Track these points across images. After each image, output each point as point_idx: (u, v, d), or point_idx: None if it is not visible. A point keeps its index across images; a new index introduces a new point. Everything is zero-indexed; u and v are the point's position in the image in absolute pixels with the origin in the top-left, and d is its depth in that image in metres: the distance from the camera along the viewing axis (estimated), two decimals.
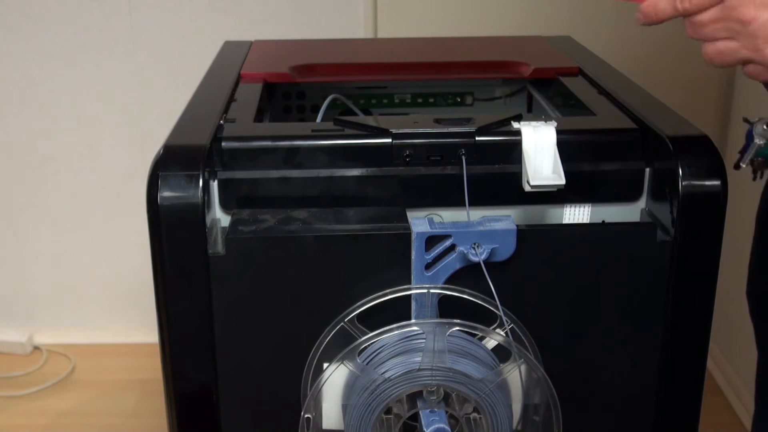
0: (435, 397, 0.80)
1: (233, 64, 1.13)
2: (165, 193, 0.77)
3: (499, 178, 0.84)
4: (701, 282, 0.82)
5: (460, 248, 0.79)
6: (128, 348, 2.04)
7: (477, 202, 0.83)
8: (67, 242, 2.02)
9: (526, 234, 0.80)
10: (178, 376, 0.82)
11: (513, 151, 0.83)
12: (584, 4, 1.80)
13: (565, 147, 0.83)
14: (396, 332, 0.79)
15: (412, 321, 0.80)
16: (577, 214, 0.86)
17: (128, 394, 1.85)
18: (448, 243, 0.79)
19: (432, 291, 0.80)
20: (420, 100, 1.21)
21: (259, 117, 0.96)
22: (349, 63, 1.15)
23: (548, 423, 0.82)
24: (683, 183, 0.79)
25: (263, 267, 0.79)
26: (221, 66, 1.14)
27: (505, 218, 0.80)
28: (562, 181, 0.81)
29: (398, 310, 0.81)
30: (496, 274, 0.79)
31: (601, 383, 0.86)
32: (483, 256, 0.78)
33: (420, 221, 0.80)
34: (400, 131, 0.83)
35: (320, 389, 0.81)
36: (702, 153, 0.81)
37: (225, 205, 0.83)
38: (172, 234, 0.78)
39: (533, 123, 0.83)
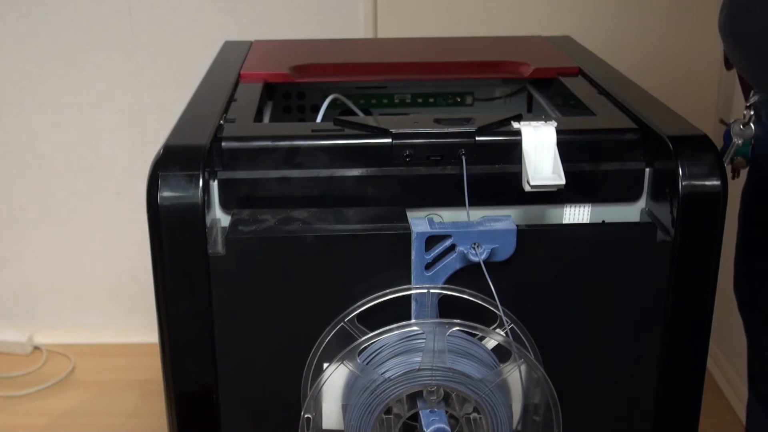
0: (435, 397, 0.80)
1: (233, 64, 1.13)
2: (165, 193, 0.77)
3: (499, 178, 0.84)
4: (701, 282, 0.83)
5: (460, 248, 0.79)
6: (128, 348, 2.04)
7: (477, 202, 0.83)
8: (67, 242, 2.02)
9: (526, 234, 0.80)
10: (178, 376, 0.82)
11: (513, 151, 0.83)
12: (584, 4, 1.80)
13: (565, 147, 0.83)
14: (396, 332, 0.79)
15: (412, 321, 0.80)
16: (577, 214, 0.86)
17: (128, 394, 1.85)
18: (448, 243, 0.79)
19: (432, 291, 0.80)
20: (420, 100, 1.21)
21: (259, 117, 0.97)
22: (349, 63, 1.15)
23: (548, 423, 0.82)
24: (683, 183, 0.79)
25: (263, 267, 0.79)
26: (221, 66, 1.14)
27: (505, 218, 0.80)
28: (562, 181, 0.81)
29: (398, 310, 0.81)
30: (496, 274, 0.79)
31: (601, 383, 0.86)
32: (483, 256, 0.78)
33: (420, 221, 0.80)
34: (400, 131, 0.83)
35: (320, 389, 0.81)
36: (702, 153, 0.81)
37: (225, 205, 0.83)
38: (172, 234, 0.78)
39: (533, 123, 0.83)
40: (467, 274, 0.80)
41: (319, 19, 1.86)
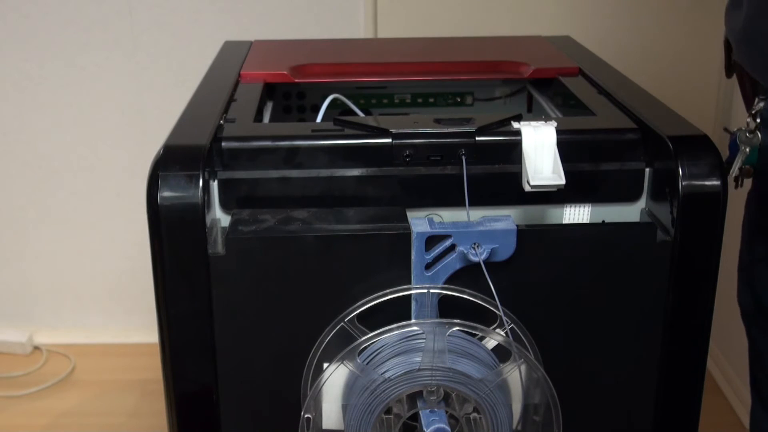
0: (435, 397, 0.80)
1: (233, 64, 1.13)
2: (165, 193, 0.77)
3: (499, 178, 0.84)
4: (701, 282, 0.82)
5: (460, 248, 0.79)
6: (128, 348, 2.04)
7: (477, 202, 0.83)
8: (67, 242, 2.02)
9: (526, 234, 0.80)
10: (178, 376, 0.82)
11: (513, 151, 0.83)
12: (584, 4, 1.80)
13: (565, 147, 0.83)
14: (396, 332, 0.79)
15: (412, 321, 0.80)
16: (577, 214, 0.86)
17: (128, 394, 1.85)
18: (448, 243, 0.79)
19: (432, 291, 0.80)
20: (420, 100, 1.21)
21: (259, 117, 0.97)
22: (349, 63, 1.15)
23: (548, 423, 0.82)
24: (683, 183, 0.79)
25: (263, 267, 0.79)
26: (221, 66, 1.14)
27: (505, 218, 0.80)
28: (562, 181, 0.81)
29: (398, 310, 0.81)
30: (496, 274, 0.79)
31: (601, 383, 0.86)
32: (483, 256, 0.78)
33: (420, 221, 0.80)
34: (400, 131, 0.83)
35: (320, 389, 0.81)
36: (702, 153, 0.81)
37: (225, 205, 0.83)
38: (172, 234, 0.78)
39: (533, 123, 0.83)
40: (467, 274, 0.80)
41: (319, 19, 1.86)
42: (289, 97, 1.18)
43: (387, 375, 0.78)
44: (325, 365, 0.81)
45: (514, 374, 0.81)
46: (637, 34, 1.80)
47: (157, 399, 1.73)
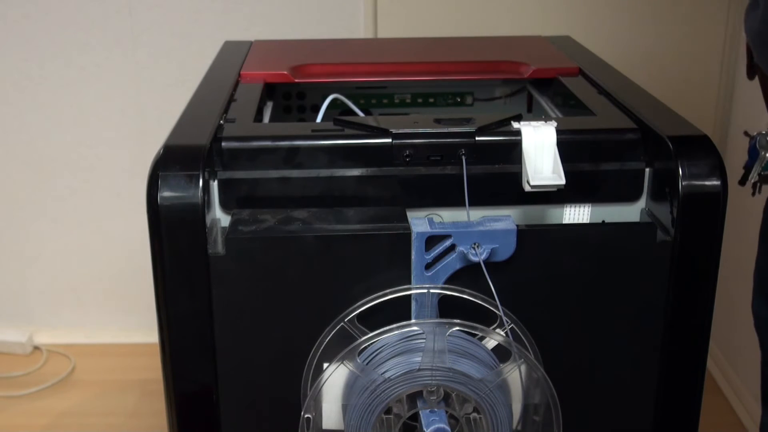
0: (435, 397, 0.80)
1: (233, 64, 1.13)
2: (165, 193, 0.77)
3: (499, 178, 0.84)
4: (701, 282, 0.82)
5: (460, 248, 0.79)
6: (128, 348, 2.04)
7: (477, 202, 0.83)
8: (66, 242, 2.02)
9: (526, 234, 0.80)
10: (178, 376, 0.82)
11: (513, 151, 0.83)
12: (584, 4, 1.80)
13: (565, 147, 0.83)
14: (396, 332, 0.79)
15: (412, 321, 0.80)
16: (577, 214, 0.86)
17: (128, 394, 1.85)
18: (448, 243, 0.79)
19: (432, 291, 0.80)
20: (420, 100, 1.21)
21: (259, 117, 0.97)
22: (349, 63, 1.15)
23: (548, 423, 0.82)
24: (683, 183, 0.79)
25: (263, 267, 0.79)
26: (221, 66, 1.14)
27: (505, 218, 0.80)
28: (562, 181, 0.81)
29: (398, 310, 0.81)
30: (496, 274, 0.79)
31: (601, 383, 0.86)
32: (483, 256, 0.78)
33: (420, 221, 0.80)
34: (400, 131, 0.83)
35: (320, 389, 0.81)
36: (702, 153, 0.81)
37: (225, 205, 0.83)
38: (172, 234, 0.78)
39: (533, 123, 0.83)
40: (467, 274, 0.80)
41: (319, 19, 1.86)
42: (289, 97, 1.18)
43: (387, 375, 0.78)
44: (325, 365, 0.81)
45: (514, 374, 0.81)
46: (637, 34, 1.80)
47: (157, 399, 1.73)
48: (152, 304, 0.81)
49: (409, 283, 0.80)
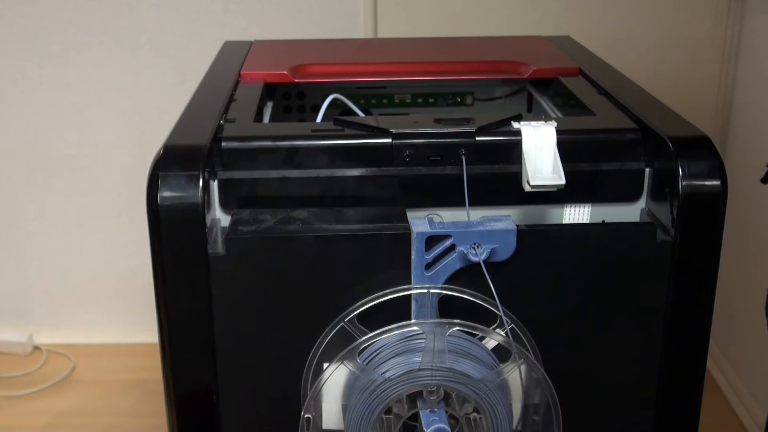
0: (435, 397, 0.80)
1: (233, 64, 1.13)
2: (165, 193, 0.77)
3: (499, 178, 0.84)
4: (701, 282, 0.83)
5: (460, 248, 0.79)
6: (128, 348, 2.04)
7: (477, 202, 0.83)
8: (67, 242, 2.02)
9: (526, 234, 0.80)
10: (178, 376, 0.82)
11: (513, 151, 0.83)
12: (584, 4, 1.80)
13: (565, 147, 0.83)
14: (396, 332, 0.79)
15: (412, 321, 0.80)
16: (577, 214, 0.86)
17: (128, 394, 1.85)
18: (448, 243, 0.79)
19: (432, 291, 0.80)
20: (420, 100, 1.21)
21: (259, 117, 0.97)
22: (349, 63, 1.15)
23: (548, 423, 0.82)
24: (683, 183, 0.79)
25: (263, 267, 0.79)
26: (221, 66, 1.14)
27: (505, 218, 0.80)
28: (562, 181, 0.81)
29: (398, 310, 0.81)
30: (496, 274, 0.79)
31: (601, 383, 0.86)
32: (483, 256, 0.78)
33: (420, 221, 0.80)
34: (400, 131, 0.83)
35: (320, 389, 0.81)
36: (702, 153, 0.81)
37: (225, 205, 0.83)
38: (172, 234, 0.78)
39: (533, 123, 0.83)
40: (467, 274, 0.80)
41: (319, 19, 1.86)
42: (289, 97, 1.18)
43: (387, 375, 0.78)
44: (325, 365, 0.81)
45: (514, 374, 0.81)
46: (637, 34, 1.80)
47: (157, 399, 1.73)
48: (152, 304, 0.81)
49: (409, 283, 0.80)
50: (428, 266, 0.79)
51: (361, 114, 1.12)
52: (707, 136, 0.83)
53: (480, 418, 0.80)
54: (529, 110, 1.19)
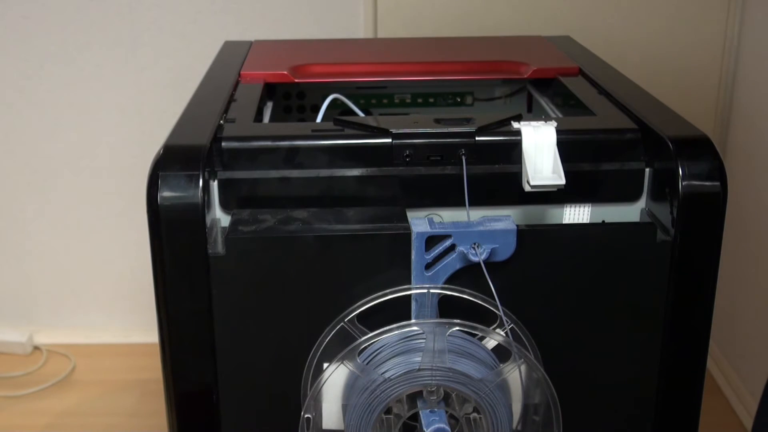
0: (435, 397, 0.80)
1: (233, 64, 1.13)
2: (165, 193, 0.77)
3: (499, 178, 0.84)
4: (701, 282, 0.83)
5: (460, 248, 0.79)
6: (128, 348, 2.04)
7: (477, 202, 0.83)
8: (67, 242, 2.02)
9: (526, 234, 0.80)
10: (178, 376, 0.82)
11: (513, 151, 0.83)
12: (584, 4, 1.80)
13: (565, 147, 0.83)
14: (396, 332, 0.79)
15: (412, 321, 0.80)
16: (577, 214, 0.86)
17: (128, 394, 1.85)
18: (448, 243, 0.79)
19: (432, 291, 0.80)
20: (420, 100, 1.21)
21: (259, 117, 0.97)
22: (349, 63, 1.15)
23: (548, 423, 0.82)
24: (683, 183, 0.79)
25: (263, 267, 0.79)
26: (221, 66, 1.14)
27: (505, 218, 0.80)
28: (562, 181, 0.81)
29: (398, 310, 0.81)
30: (496, 274, 0.79)
31: (601, 383, 0.86)
32: (483, 256, 0.78)
33: (420, 221, 0.80)
34: (400, 131, 0.83)
35: (320, 389, 0.81)
36: (702, 153, 0.81)
37: (225, 205, 0.83)
38: (172, 234, 0.78)
39: (533, 123, 0.83)
40: (467, 274, 0.80)
41: (319, 19, 1.86)
42: (289, 97, 1.18)
43: (387, 375, 0.78)
44: (325, 365, 0.81)
45: (514, 374, 0.81)
46: (637, 34, 1.80)
47: (157, 399, 1.73)
48: (152, 304, 0.81)
49: (409, 283, 0.80)
50: (428, 266, 0.79)
51: (361, 114, 1.12)
52: (707, 136, 0.83)
53: (480, 418, 0.80)
54: (529, 110, 1.19)
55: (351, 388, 0.80)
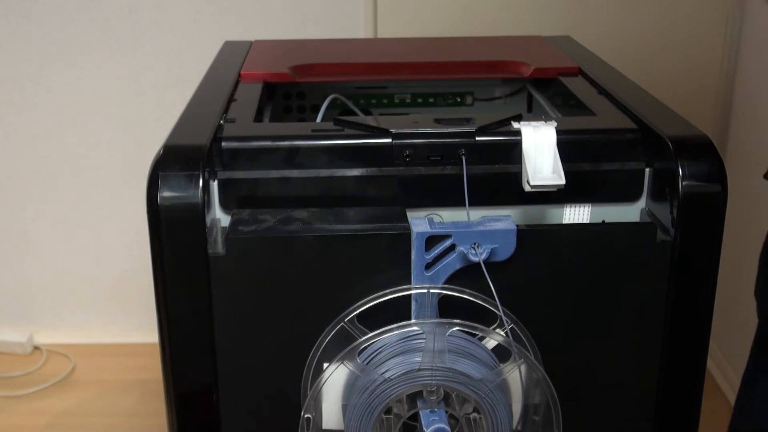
0: (435, 397, 0.80)
1: (233, 64, 1.13)
2: (165, 193, 0.77)
3: (499, 178, 0.84)
4: (701, 282, 0.82)
5: (460, 248, 0.79)
6: (128, 348, 2.04)
7: (477, 202, 0.83)
8: (67, 242, 2.02)
9: (526, 234, 0.80)
10: (178, 376, 0.82)
11: (513, 151, 0.83)
12: (584, 4, 1.80)
13: (565, 147, 0.83)
14: (396, 332, 0.79)
15: (412, 321, 0.80)
16: (577, 214, 0.86)
17: (128, 394, 1.85)
18: (448, 243, 0.79)
19: (432, 291, 0.80)
20: (420, 100, 1.21)
21: (259, 117, 0.97)
22: (349, 63, 1.15)
23: (548, 423, 0.82)
24: (683, 183, 0.79)
25: (263, 267, 0.79)
26: (221, 66, 1.14)
27: (505, 218, 0.80)
28: (562, 181, 0.81)
29: (398, 310, 0.81)
30: (496, 274, 0.79)
31: (601, 383, 0.86)
32: (483, 256, 0.78)
33: (420, 221, 0.80)
34: (400, 131, 0.83)
35: (320, 389, 0.81)
36: (702, 153, 0.81)
37: (225, 205, 0.83)
38: (172, 234, 0.78)
39: (533, 123, 0.83)
40: (467, 274, 0.80)
41: (319, 19, 1.86)
42: (289, 97, 1.18)
43: (387, 375, 0.78)
44: (325, 365, 0.81)
45: (514, 374, 0.81)
46: (637, 34, 1.80)
47: (157, 399, 1.73)
48: (152, 304, 0.81)
49: (409, 283, 0.80)
50: (428, 266, 0.79)
51: (361, 114, 1.12)
52: (707, 136, 0.83)
53: (480, 418, 0.80)
54: (529, 110, 1.19)
55: (351, 388, 0.80)
